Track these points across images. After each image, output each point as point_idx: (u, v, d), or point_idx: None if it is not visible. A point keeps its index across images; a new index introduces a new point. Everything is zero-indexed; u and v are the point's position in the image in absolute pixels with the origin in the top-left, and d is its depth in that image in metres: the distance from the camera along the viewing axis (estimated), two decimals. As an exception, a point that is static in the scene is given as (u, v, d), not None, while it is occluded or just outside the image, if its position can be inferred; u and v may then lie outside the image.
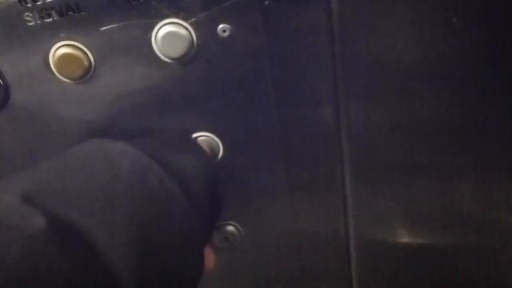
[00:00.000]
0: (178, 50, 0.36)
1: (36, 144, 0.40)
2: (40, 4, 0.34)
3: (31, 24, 0.35)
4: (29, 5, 0.34)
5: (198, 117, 0.40)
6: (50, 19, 0.35)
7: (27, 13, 0.35)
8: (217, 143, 0.41)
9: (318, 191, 0.45)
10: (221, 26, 0.36)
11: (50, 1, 0.34)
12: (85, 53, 0.36)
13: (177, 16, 0.36)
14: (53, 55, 0.36)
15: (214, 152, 0.41)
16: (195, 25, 0.36)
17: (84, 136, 0.40)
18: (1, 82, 0.37)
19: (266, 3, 0.36)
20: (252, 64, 0.38)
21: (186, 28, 0.36)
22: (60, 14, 0.35)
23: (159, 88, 0.38)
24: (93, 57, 0.36)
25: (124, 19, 0.35)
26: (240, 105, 0.40)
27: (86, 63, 0.36)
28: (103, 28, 0.36)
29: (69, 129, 0.40)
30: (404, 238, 0.47)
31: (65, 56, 0.36)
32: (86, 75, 0.37)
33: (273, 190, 0.44)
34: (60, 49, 0.36)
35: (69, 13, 0.35)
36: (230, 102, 0.40)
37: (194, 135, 0.41)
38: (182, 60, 0.37)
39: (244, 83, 0.39)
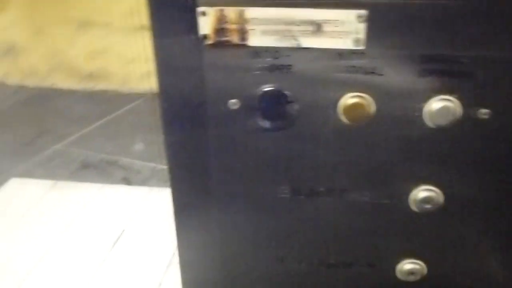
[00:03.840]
0: (445, 120, 0.46)
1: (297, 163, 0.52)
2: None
3: (337, 75, 0.47)
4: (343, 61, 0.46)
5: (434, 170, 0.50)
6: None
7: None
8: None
9: None
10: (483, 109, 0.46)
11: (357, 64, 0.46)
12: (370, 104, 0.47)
13: (450, 94, 0.46)
14: (345, 102, 0.47)
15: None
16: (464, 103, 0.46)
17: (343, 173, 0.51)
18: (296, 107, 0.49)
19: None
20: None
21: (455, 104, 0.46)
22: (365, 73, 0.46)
23: (413, 145, 0.49)
24: (376, 108, 0.47)
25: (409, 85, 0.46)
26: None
27: (370, 111, 0.47)
28: (392, 89, 0.46)
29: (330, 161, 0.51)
30: None
31: (355, 104, 0.47)
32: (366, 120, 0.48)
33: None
34: (351, 99, 0.47)
35: (371, 73, 0.46)
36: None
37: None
38: (443, 128, 0.46)
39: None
